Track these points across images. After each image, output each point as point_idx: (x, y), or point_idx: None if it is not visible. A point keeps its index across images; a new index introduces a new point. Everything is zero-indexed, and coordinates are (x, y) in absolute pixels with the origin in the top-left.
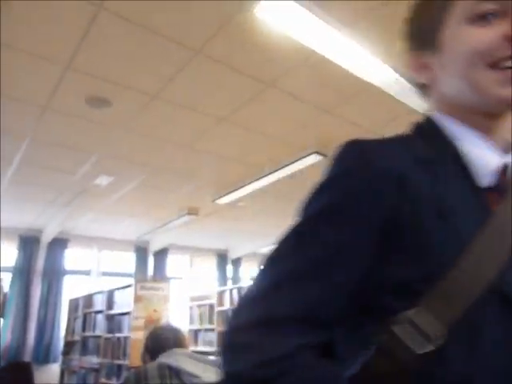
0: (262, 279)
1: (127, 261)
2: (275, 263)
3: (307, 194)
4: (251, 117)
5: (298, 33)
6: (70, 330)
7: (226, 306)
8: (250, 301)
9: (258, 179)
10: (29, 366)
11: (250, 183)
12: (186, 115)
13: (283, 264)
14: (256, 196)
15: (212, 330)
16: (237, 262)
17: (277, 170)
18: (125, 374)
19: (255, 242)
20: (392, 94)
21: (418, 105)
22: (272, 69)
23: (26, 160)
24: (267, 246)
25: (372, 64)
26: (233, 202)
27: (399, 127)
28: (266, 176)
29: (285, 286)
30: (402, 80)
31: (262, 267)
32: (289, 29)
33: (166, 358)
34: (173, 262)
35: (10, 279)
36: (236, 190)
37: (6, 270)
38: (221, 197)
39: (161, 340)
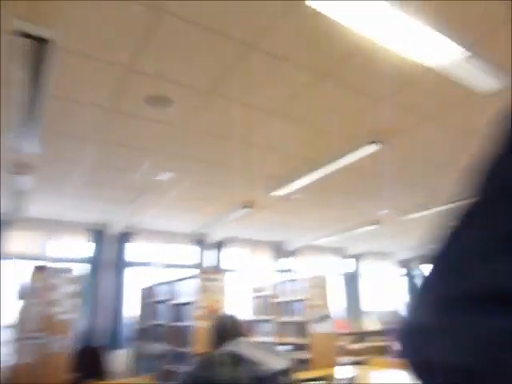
0: (449, 251)
1: (187, 253)
2: (463, 235)
3: (485, 166)
4: (306, 109)
5: (352, 21)
6: (139, 317)
7: (282, 297)
8: (437, 276)
9: (313, 171)
10: (100, 350)
11: (305, 176)
12: (242, 110)
13: (474, 237)
14: (311, 188)
15: (268, 321)
16: (292, 255)
17: (332, 162)
18: (189, 360)
19: (310, 235)
20: (451, 77)
21: (479, 86)
22: (326, 60)
23: (92, 161)
24: (322, 238)
25: (433, 46)
26: (288, 195)
27: (459, 110)
28: (321, 168)
29: (479, 260)
30: (465, 61)
31: (446, 239)
32: (341, 17)
33: (232, 346)
34: (231, 254)
35: (84, 270)
36: (291, 182)
37: (78, 261)
38: (276, 190)
39: (226, 329)
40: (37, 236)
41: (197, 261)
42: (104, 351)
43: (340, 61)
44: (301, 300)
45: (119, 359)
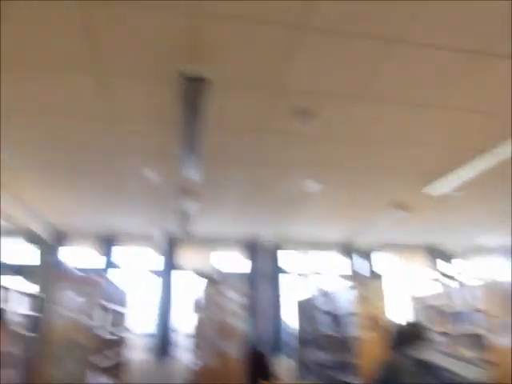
0: None
1: (338, 261)
2: None
3: None
4: (463, 95)
5: None
6: (298, 326)
7: (448, 306)
8: None
9: (477, 163)
10: (266, 355)
11: (467, 169)
12: (392, 109)
13: None
14: (476, 182)
15: (432, 330)
16: (453, 258)
17: (503, 149)
18: (353, 369)
19: (474, 235)
20: None
21: None
22: (485, 36)
23: (245, 180)
24: (486, 237)
25: None
26: (447, 193)
27: None
28: (484, 159)
29: None
30: None
31: None
32: None
33: (416, 353)
34: (383, 260)
35: (244, 281)
36: (450, 178)
37: (237, 273)
38: (433, 188)
39: (406, 335)
40: (201, 251)
41: (349, 268)
42: (269, 356)
43: (504, 32)
44: (474, 309)
45: (282, 365)
